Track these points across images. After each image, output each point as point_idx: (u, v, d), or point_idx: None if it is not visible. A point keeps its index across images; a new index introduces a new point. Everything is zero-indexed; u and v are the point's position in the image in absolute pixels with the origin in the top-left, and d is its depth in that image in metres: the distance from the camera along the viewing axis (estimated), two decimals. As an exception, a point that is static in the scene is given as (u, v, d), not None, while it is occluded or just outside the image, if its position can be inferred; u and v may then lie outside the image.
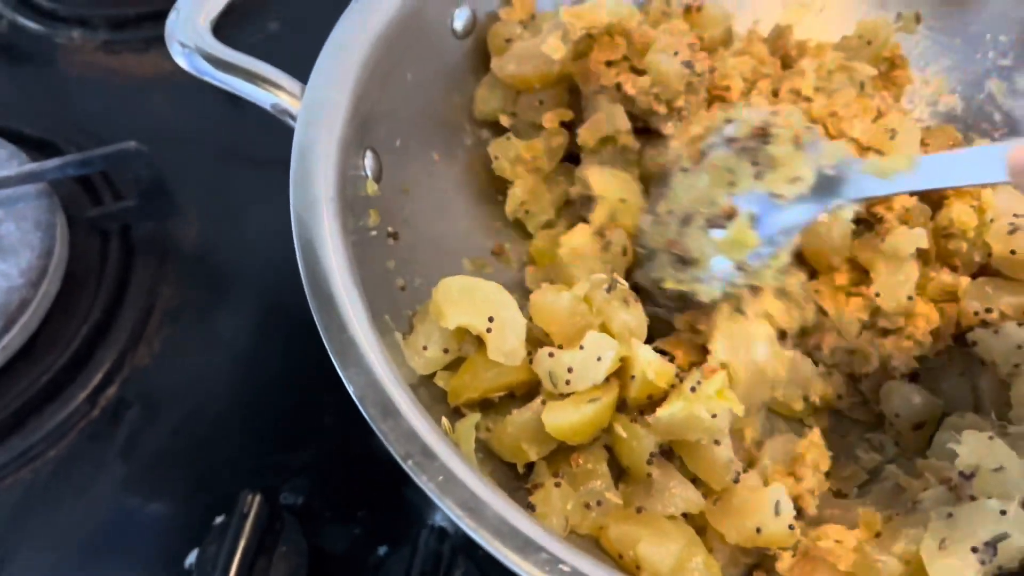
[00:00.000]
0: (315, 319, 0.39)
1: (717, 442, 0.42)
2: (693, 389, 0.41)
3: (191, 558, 0.56)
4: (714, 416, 0.40)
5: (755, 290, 0.46)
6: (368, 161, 0.49)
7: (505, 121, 0.59)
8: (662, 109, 0.55)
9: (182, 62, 0.48)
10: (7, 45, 0.82)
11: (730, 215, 0.46)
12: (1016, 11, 0.59)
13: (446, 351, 0.45)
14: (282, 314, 0.67)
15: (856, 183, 0.45)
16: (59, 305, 0.63)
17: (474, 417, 0.43)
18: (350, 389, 0.37)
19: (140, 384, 0.63)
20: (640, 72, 0.55)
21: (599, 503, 0.42)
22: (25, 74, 0.81)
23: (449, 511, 0.34)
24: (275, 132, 0.75)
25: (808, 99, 0.53)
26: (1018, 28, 0.59)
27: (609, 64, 0.56)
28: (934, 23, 0.62)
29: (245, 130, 0.78)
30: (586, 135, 0.56)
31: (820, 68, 0.55)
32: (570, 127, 0.59)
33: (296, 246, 0.41)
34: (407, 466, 0.35)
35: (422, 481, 0.35)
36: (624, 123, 0.55)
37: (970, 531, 0.38)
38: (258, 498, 0.53)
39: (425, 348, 0.45)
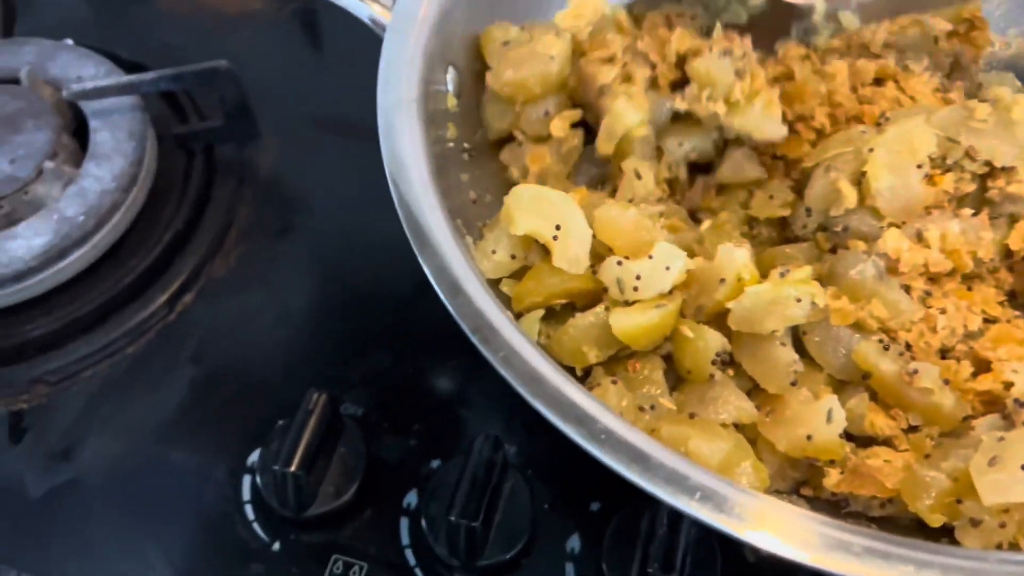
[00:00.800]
0: (396, 202, 0.41)
1: (783, 343, 0.43)
2: (782, 275, 0.42)
3: (253, 456, 0.59)
4: (799, 301, 0.41)
5: None
6: (450, 76, 0.51)
7: (519, 136, 0.57)
8: (721, 108, 0.54)
9: (281, -30, 0.51)
10: (100, -23, 0.86)
11: None
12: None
13: (513, 257, 0.47)
14: (352, 242, 0.70)
15: None
16: (145, 213, 0.67)
17: (538, 313, 0.45)
18: (426, 268, 0.39)
19: (215, 294, 0.66)
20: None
21: (653, 407, 0.44)
22: (116, 7, 0.85)
23: (512, 381, 0.36)
24: (351, 74, 0.79)
25: (877, 56, 0.53)
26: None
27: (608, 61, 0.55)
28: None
29: (322, 68, 0.81)
30: (603, 146, 0.55)
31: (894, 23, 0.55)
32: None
33: (381, 136, 0.43)
34: (475, 339, 0.37)
35: (487, 351, 0.36)
36: (633, 117, 0.53)
37: (1022, 450, 0.39)
38: (323, 397, 0.55)
39: (494, 252, 0.47)
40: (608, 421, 0.35)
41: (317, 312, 0.67)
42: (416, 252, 0.40)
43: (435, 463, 0.59)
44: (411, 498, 0.58)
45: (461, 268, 0.40)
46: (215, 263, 0.67)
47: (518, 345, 0.37)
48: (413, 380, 0.63)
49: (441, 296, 0.39)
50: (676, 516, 0.50)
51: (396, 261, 0.67)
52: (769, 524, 0.35)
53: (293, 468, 0.53)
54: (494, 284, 0.49)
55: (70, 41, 0.73)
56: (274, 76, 0.78)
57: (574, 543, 0.56)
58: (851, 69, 0.57)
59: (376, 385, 0.62)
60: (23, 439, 0.60)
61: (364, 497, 0.57)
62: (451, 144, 0.50)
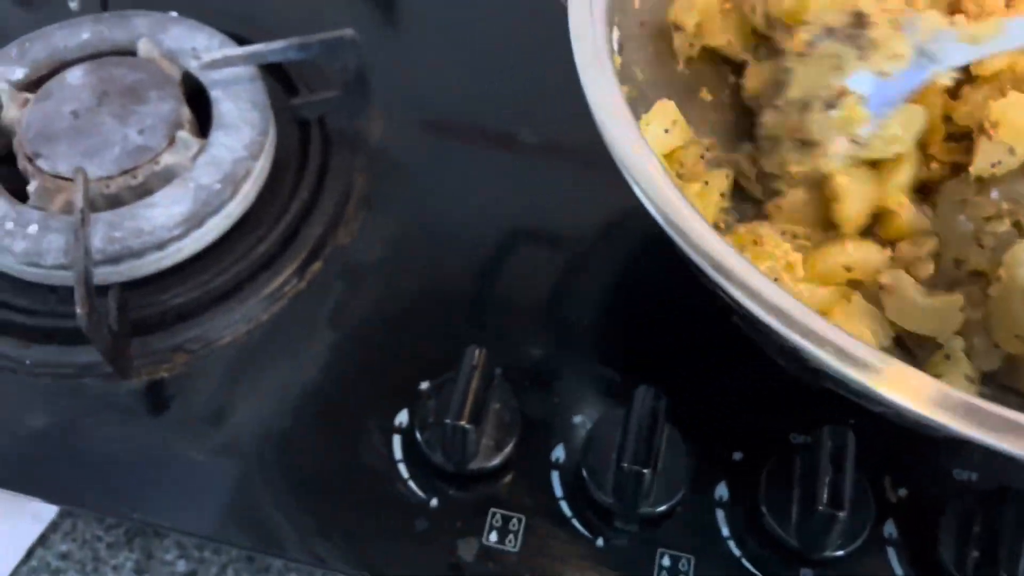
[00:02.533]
0: (621, 163, 0.42)
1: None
2: None
3: (400, 416, 0.60)
4: None
5: None
6: (615, 36, 0.52)
7: None
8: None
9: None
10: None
11: (841, 94, 0.51)
12: None
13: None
14: (462, 207, 0.71)
15: (952, 52, 0.49)
16: (270, 184, 0.67)
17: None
18: (651, 208, 0.41)
19: (343, 261, 0.67)
20: None
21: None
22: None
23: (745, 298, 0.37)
24: (445, 50, 0.80)
25: None
26: None
27: None
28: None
29: (411, 44, 0.82)
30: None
31: None
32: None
33: (586, 92, 0.45)
34: (719, 278, 0.38)
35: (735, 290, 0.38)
36: None
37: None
38: (484, 352, 0.56)
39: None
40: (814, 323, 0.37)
41: (438, 277, 0.68)
42: (653, 210, 0.41)
43: (577, 419, 0.61)
44: (559, 452, 0.59)
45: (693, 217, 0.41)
46: (338, 232, 0.68)
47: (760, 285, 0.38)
48: (546, 340, 0.64)
49: (667, 228, 0.40)
50: (839, 455, 0.52)
51: (505, 219, 0.70)
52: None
53: (464, 421, 0.54)
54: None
55: (175, 13, 0.73)
56: (370, 45, 0.79)
57: (722, 491, 0.58)
58: None
59: (510, 345, 0.64)
60: (169, 407, 0.61)
61: (518, 452, 0.59)
62: (621, 98, 0.52)
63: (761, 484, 0.57)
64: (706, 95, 0.61)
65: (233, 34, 0.74)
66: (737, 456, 0.59)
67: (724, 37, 0.59)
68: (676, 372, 0.62)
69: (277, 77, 0.74)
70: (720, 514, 0.58)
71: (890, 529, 0.57)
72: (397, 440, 0.60)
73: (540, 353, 0.63)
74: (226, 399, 0.61)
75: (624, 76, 0.55)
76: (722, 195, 0.54)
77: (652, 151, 0.42)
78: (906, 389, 0.36)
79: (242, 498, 0.57)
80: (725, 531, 0.57)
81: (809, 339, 0.36)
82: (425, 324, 0.65)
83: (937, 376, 0.46)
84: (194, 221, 0.61)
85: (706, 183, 0.53)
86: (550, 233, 0.69)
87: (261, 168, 0.65)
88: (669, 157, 0.52)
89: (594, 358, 0.64)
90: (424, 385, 0.61)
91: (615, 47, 0.52)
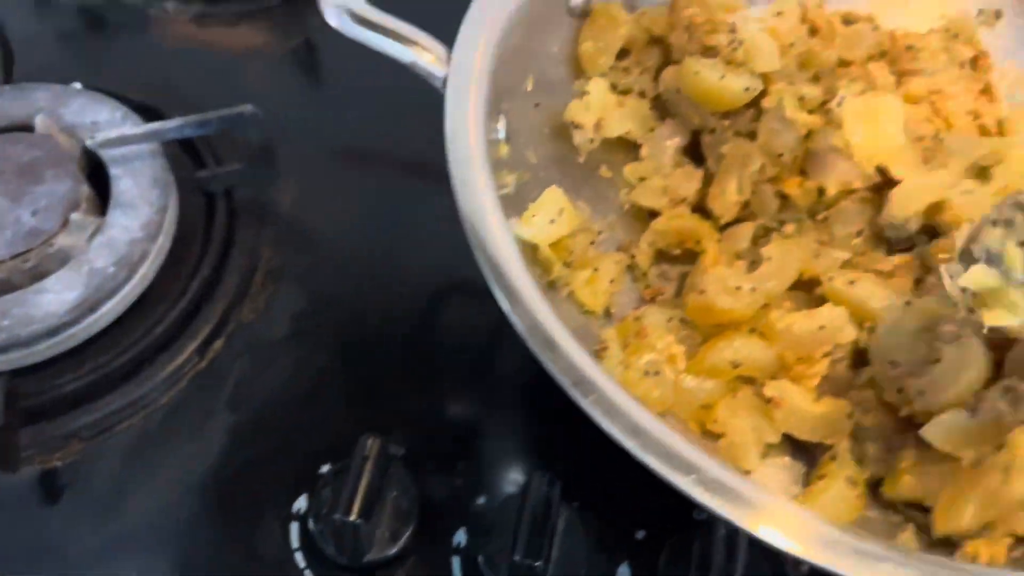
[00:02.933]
0: (482, 266, 0.42)
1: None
2: None
3: (299, 503, 0.59)
4: None
5: None
6: (501, 125, 0.52)
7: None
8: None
9: (334, 22, 0.51)
10: (102, 16, 0.85)
11: None
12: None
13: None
14: (380, 276, 0.70)
15: None
16: (170, 261, 0.66)
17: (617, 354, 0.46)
18: (519, 327, 0.40)
19: (246, 338, 0.66)
20: None
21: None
22: (120, 44, 0.84)
23: (618, 436, 0.37)
24: (358, 108, 0.79)
25: (914, 72, 0.56)
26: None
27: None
28: (1015, 19, 0.66)
29: (329, 102, 0.81)
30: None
31: (923, 49, 0.58)
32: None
33: (456, 194, 0.44)
34: (575, 394, 0.38)
35: (590, 407, 0.38)
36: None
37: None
38: (377, 442, 0.55)
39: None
40: (713, 470, 0.36)
41: (349, 352, 0.67)
42: (508, 313, 0.41)
43: (481, 500, 0.60)
44: (460, 537, 0.59)
45: (550, 321, 0.41)
46: (243, 307, 0.67)
47: (617, 398, 0.38)
48: (452, 417, 0.63)
49: (536, 352, 0.40)
50: (733, 538, 0.52)
51: (424, 294, 0.70)
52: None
53: (353, 517, 0.53)
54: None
55: (79, 84, 0.72)
56: (283, 112, 0.78)
57: (624, 571, 0.58)
58: None
59: (416, 424, 0.63)
60: (61, 498, 0.59)
61: (414, 538, 0.58)
62: (503, 191, 0.51)
63: (660, 564, 0.56)
64: (606, 172, 0.61)
65: (144, 105, 0.73)
66: (640, 535, 0.59)
67: (624, 127, 0.59)
68: (578, 451, 0.61)
69: (186, 148, 0.72)
70: (628, 582, 0.57)
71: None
72: (295, 528, 0.59)
73: (446, 434, 0.63)
74: (122, 487, 0.60)
75: (515, 162, 0.54)
76: (612, 281, 0.54)
77: (521, 261, 0.42)
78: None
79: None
80: (620, 615, 0.57)
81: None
82: (329, 404, 0.64)
83: (821, 477, 0.46)
84: (87, 306, 0.60)
85: (596, 270, 0.53)
86: (463, 312, 0.68)
87: (160, 247, 0.64)
88: (557, 245, 0.52)
89: (500, 439, 0.63)
90: (325, 468, 0.60)
91: (501, 136, 0.52)
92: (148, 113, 0.73)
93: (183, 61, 0.82)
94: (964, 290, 0.40)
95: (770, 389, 0.48)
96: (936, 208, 0.51)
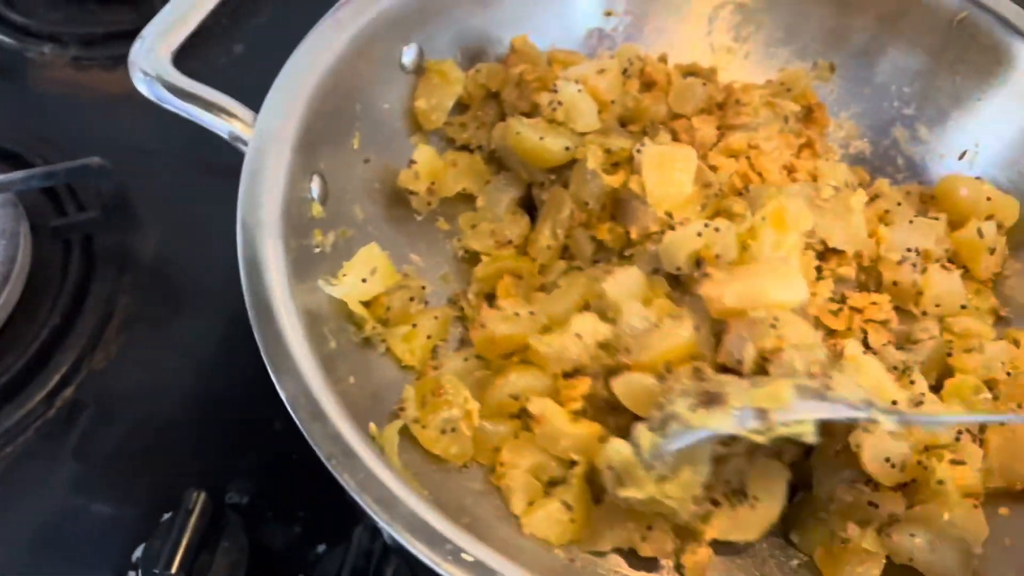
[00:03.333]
0: (254, 330, 0.43)
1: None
2: None
3: (138, 552, 0.60)
4: None
5: None
6: (315, 185, 0.53)
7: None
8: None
9: (143, 89, 0.52)
10: (-24, 58, 0.85)
11: None
12: (908, 61, 0.64)
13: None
14: (234, 326, 0.70)
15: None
16: (20, 310, 0.66)
17: (397, 424, 0.47)
18: (282, 394, 0.41)
19: (96, 387, 0.66)
20: None
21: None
22: (-6, 88, 0.84)
23: (365, 506, 0.38)
24: (237, 152, 0.79)
25: (736, 127, 0.58)
26: (919, 80, 0.65)
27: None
28: (847, 72, 0.68)
29: (208, 148, 0.81)
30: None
31: (748, 104, 0.60)
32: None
33: (240, 264, 0.45)
34: (330, 465, 0.39)
35: (342, 479, 0.39)
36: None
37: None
38: (203, 495, 0.56)
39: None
40: (457, 539, 0.37)
41: (202, 400, 0.67)
42: (274, 379, 0.42)
43: (321, 548, 0.61)
44: (297, 586, 0.59)
45: (321, 391, 0.42)
46: (95, 356, 0.68)
47: (374, 467, 0.39)
48: (298, 467, 0.64)
49: (299, 424, 0.40)
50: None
51: None
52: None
53: (173, 571, 0.54)
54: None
55: (-64, 132, 0.73)
56: (157, 158, 0.79)
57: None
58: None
59: (261, 473, 0.63)
60: None
61: (251, 586, 0.58)
62: (317, 250, 0.52)
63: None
64: (443, 224, 0.62)
65: (8, 152, 0.74)
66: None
67: (459, 185, 0.60)
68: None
69: (48, 195, 0.73)
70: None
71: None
72: (132, 577, 0.59)
73: (286, 483, 0.63)
74: (-41, 544, 0.60)
75: (334, 220, 0.55)
76: (430, 337, 0.55)
77: (301, 330, 0.43)
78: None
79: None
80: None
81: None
82: (174, 455, 0.64)
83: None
84: (-76, 359, 0.60)
85: (414, 326, 0.54)
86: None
87: (7, 297, 0.65)
88: (373, 303, 0.53)
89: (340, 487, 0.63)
90: (166, 517, 0.61)
91: (315, 195, 0.53)
92: (12, 160, 0.74)
93: (57, 105, 0.82)
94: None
95: (533, 405, 0.50)
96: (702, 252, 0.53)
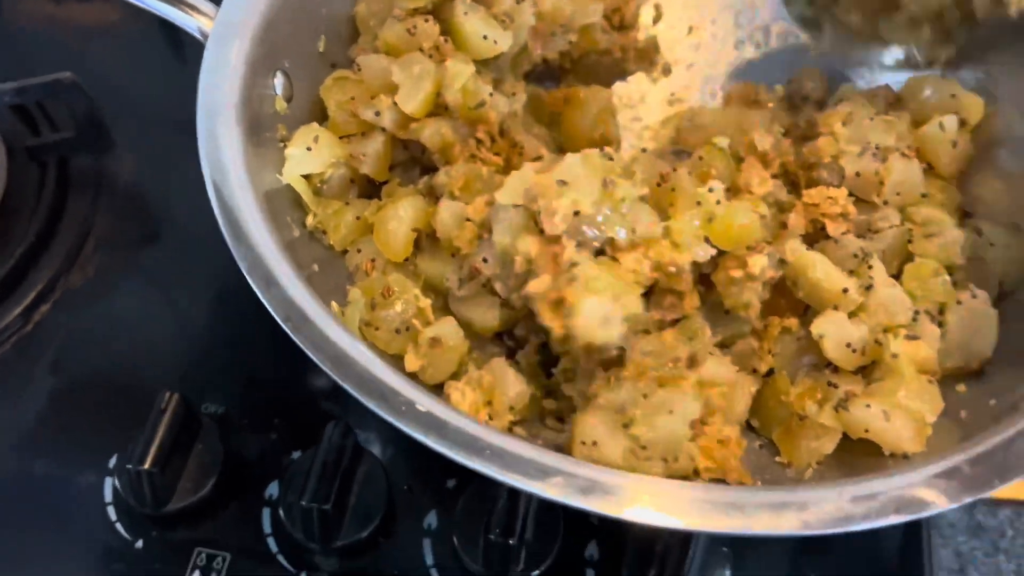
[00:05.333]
0: (212, 200, 0.43)
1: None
2: None
3: (114, 460, 0.61)
4: None
5: None
6: (278, 81, 0.53)
7: None
8: None
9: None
10: (-50, -9, 0.86)
11: None
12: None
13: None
14: (208, 247, 0.71)
15: None
16: (-6, 228, 0.67)
17: (360, 299, 0.48)
18: (241, 264, 0.42)
19: (72, 305, 0.67)
20: None
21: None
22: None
23: (321, 364, 0.38)
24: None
25: None
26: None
27: None
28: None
29: (183, 81, 0.82)
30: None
31: None
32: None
33: (199, 142, 0.46)
34: (287, 327, 0.40)
35: (297, 338, 0.39)
36: None
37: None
38: (176, 396, 0.57)
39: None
40: (411, 395, 0.38)
41: (177, 316, 0.68)
42: (231, 246, 0.42)
43: (296, 454, 0.61)
44: (273, 489, 0.60)
45: (276, 261, 0.42)
46: (72, 274, 0.68)
47: (329, 331, 0.40)
48: (274, 378, 0.65)
49: (254, 287, 0.41)
50: (515, 493, 0.54)
51: None
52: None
53: (147, 466, 0.55)
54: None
55: (-89, 55, 0.73)
56: (133, 87, 0.79)
57: (431, 519, 0.59)
58: None
59: (237, 384, 0.64)
60: None
61: (226, 492, 0.59)
62: (281, 144, 0.53)
63: (456, 514, 0.58)
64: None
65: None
66: (451, 484, 0.60)
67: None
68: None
69: (24, 119, 0.73)
70: (427, 543, 0.59)
71: (591, 551, 0.59)
72: (109, 483, 0.60)
73: (262, 392, 0.64)
74: (-66, 449, 0.61)
75: (304, 119, 0.56)
76: (358, 218, 0.54)
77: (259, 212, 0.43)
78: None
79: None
80: (429, 559, 0.58)
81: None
82: (150, 366, 0.65)
83: None
84: (-102, 271, 0.61)
85: (347, 204, 0.54)
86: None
87: (-19, 216, 0.65)
88: (312, 178, 0.53)
89: (320, 396, 0.64)
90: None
91: (279, 91, 0.53)
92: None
93: (34, 37, 0.83)
94: None
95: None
96: None
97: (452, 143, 0.52)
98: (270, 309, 0.41)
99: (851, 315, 0.50)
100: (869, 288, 0.50)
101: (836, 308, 0.50)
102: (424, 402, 0.38)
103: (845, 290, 0.50)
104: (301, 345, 0.39)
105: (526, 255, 0.44)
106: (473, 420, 0.39)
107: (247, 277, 0.42)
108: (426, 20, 0.54)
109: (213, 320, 0.68)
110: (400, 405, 0.38)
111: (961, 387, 0.51)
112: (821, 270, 0.50)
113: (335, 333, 0.40)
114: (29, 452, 0.61)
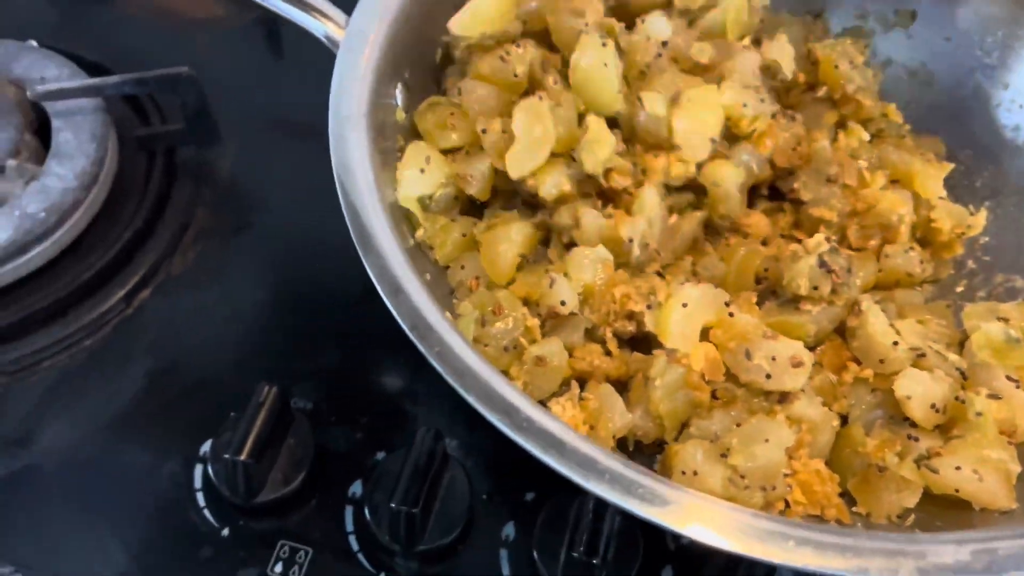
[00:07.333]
0: (343, 206, 0.44)
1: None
2: None
3: (206, 446, 0.62)
4: None
5: None
6: (399, 92, 0.54)
7: None
8: None
9: (244, -14, 0.54)
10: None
11: None
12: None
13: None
14: (305, 241, 0.73)
15: None
16: (105, 212, 0.69)
17: (472, 314, 0.49)
18: (370, 271, 0.43)
19: (172, 291, 0.69)
20: None
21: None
22: (80, 9, 0.87)
23: (444, 374, 0.39)
24: (309, 81, 0.81)
25: None
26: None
27: None
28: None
29: (281, 75, 0.84)
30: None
31: None
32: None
33: (331, 147, 0.47)
34: (412, 335, 0.41)
35: (423, 347, 0.40)
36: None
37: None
38: (274, 390, 0.58)
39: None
40: (531, 412, 0.39)
41: (270, 308, 0.69)
42: (360, 253, 0.43)
43: (380, 455, 0.62)
44: (356, 488, 0.61)
45: (402, 269, 0.43)
46: (173, 261, 0.70)
47: (452, 342, 0.41)
48: (361, 375, 0.66)
49: (382, 295, 0.42)
50: (601, 504, 0.54)
51: (346, 260, 0.72)
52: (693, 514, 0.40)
53: (243, 456, 0.56)
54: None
55: (33, 42, 0.76)
56: (234, 81, 0.81)
57: (509, 530, 0.60)
58: None
59: (326, 380, 0.65)
60: (-24, 426, 0.62)
61: (312, 486, 0.60)
62: (399, 153, 0.54)
63: (536, 527, 0.58)
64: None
65: (97, 65, 0.77)
66: (529, 496, 0.61)
67: None
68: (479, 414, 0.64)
69: (136, 108, 0.76)
70: (504, 553, 0.59)
71: (667, 574, 0.59)
72: (199, 469, 0.61)
73: (350, 390, 0.65)
74: (38, 422, 0.63)
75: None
76: (464, 235, 0.56)
77: (384, 216, 0.44)
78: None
79: (33, 519, 0.59)
80: (506, 570, 0.59)
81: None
82: (243, 355, 0.67)
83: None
84: (15, 248, 0.63)
85: (453, 220, 0.55)
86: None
87: (94, 197, 0.68)
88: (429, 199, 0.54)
89: (403, 397, 0.65)
90: (233, 415, 0.63)
91: (399, 102, 0.55)
92: (100, 72, 0.77)
93: (142, 28, 0.85)
94: None
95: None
96: None
97: (570, 197, 0.53)
98: (397, 317, 0.42)
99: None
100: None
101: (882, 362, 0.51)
102: (544, 420, 0.38)
103: (895, 343, 0.50)
104: (426, 354, 0.40)
105: None
106: (587, 440, 0.39)
107: (375, 283, 0.43)
108: (518, 46, 0.54)
109: (303, 311, 0.69)
110: (522, 421, 0.38)
111: None
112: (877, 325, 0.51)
113: (457, 344, 0.41)
114: (122, 434, 0.63)
